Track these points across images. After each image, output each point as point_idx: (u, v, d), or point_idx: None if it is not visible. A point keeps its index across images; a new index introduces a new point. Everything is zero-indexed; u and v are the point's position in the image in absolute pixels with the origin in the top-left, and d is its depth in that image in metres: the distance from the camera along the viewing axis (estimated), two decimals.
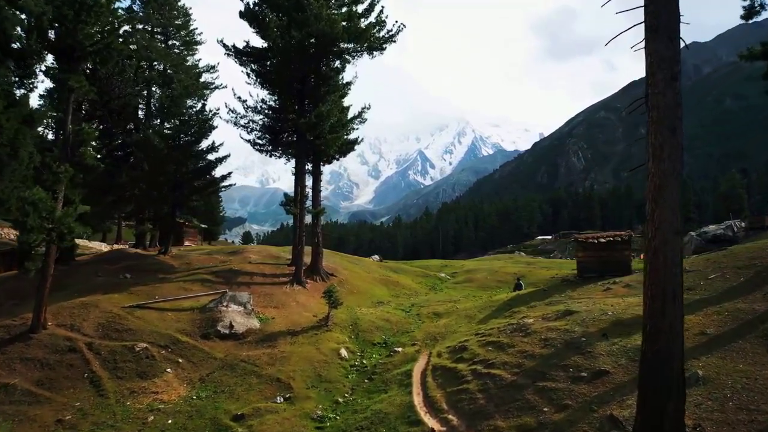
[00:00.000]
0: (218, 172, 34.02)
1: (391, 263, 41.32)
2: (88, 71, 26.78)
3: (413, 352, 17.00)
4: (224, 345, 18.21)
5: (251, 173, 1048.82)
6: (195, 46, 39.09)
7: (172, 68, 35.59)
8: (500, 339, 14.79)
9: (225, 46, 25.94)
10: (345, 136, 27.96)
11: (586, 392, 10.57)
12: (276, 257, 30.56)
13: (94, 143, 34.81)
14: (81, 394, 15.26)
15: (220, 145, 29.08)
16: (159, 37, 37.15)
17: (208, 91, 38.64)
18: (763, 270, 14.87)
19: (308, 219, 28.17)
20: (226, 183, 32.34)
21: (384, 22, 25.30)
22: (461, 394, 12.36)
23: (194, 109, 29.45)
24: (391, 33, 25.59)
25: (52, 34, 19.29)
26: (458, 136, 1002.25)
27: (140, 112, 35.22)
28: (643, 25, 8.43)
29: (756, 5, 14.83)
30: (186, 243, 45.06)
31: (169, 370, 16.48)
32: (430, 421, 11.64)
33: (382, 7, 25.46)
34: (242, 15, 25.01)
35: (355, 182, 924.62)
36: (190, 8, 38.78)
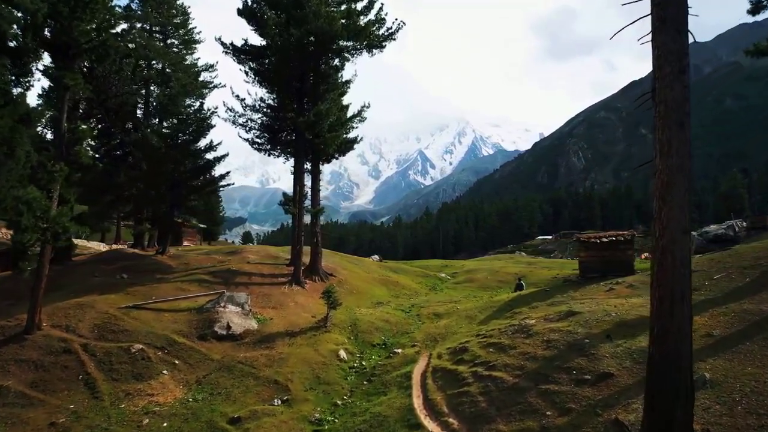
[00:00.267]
0: (217, 171, 33.89)
1: (390, 263, 41.08)
2: (85, 70, 26.63)
3: (413, 354, 16.74)
4: (221, 346, 17.94)
5: (251, 173, 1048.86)
6: (194, 45, 38.80)
7: (170, 67, 35.33)
8: (501, 340, 14.53)
9: (223, 43, 25.68)
10: (344, 135, 27.71)
11: (590, 395, 10.31)
12: (275, 257, 30.31)
13: (92, 143, 34.80)
14: (75, 396, 15.01)
15: (219, 144, 28.85)
16: (157, 35, 36.89)
17: (206, 90, 38.42)
18: None
19: (308, 219, 27.92)
20: (224, 182, 32.14)
21: (383, 19, 25.05)
22: (462, 396, 12.10)
23: (192, 108, 29.18)
24: (390, 31, 25.34)
25: (47, 32, 19.08)
26: (458, 136, 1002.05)
27: (139, 112, 35.04)
28: (649, 18, 8.18)
29: (764, 0, 14.58)
30: (185, 243, 44.84)
31: (165, 371, 16.22)
32: (431, 425, 11.39)
33: (382, 4, 25.26)
34: (240, 12, 24.76)
35: (355, 182, 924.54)
36: (189, 7, 38.53)
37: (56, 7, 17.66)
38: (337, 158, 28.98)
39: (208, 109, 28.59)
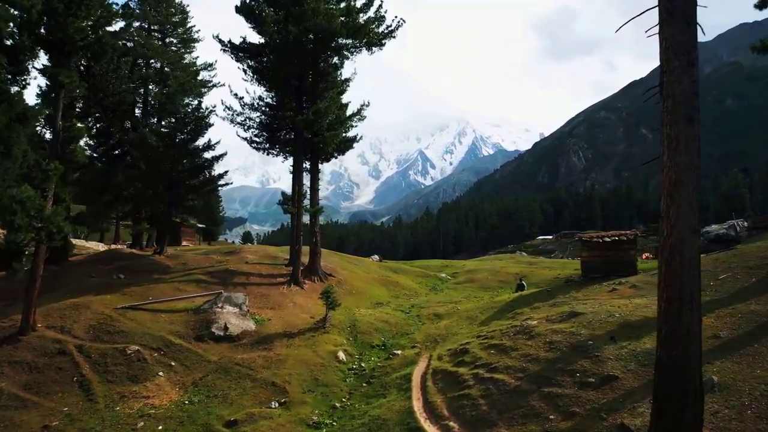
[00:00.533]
0: (215, 170, 33.61)
1: (390, 263, 40.83)
2: (82, 68, 26.39)
3: (413, 355, 16.49)
4: (218, 347, 17.69)
5: (252, 173, 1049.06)
6: (192, 44, 38.58)
7: (169, 66, 35.12)
8: (503, 342, 14.27)
9: (221, 41, 25.41)
10: (343, 134, 27.44)
11: (594, 399, 10.04)
12: (273, 257, 30.06)
13: (91, 142, 34.58)
14: (69, 398, 14.77)
15: (217, 143, 28.59)
16: (156, 34, 36.65)
17: (205, 90, 38.20)
18: None
19: (307, 218, 27.68)
20: (223, 182, 31.87)
21: (383, 17, 24.79)
22: (463, 399, 11.83)
23: (190, 107, 28.91)
24: (390, 28, 25.08)
25: (42, 29, 18.83)
26: (459, 136, 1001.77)
27: (137, 111, 34.80)
28: (655, 11, 7.93)
29: None
30: (184, 243, 44.62)
31: (161, 373, 15.97)
32: (431, 429, 11.12)
33: (381, 1, 24.97)
34: (238, 10, 24.50)
35: (355, 182, 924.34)
36: (188, 5, 38.30)
37: (51, 4, 17.43)
38: (336, 157, 28.71)
39: (206, 108, 28.36)
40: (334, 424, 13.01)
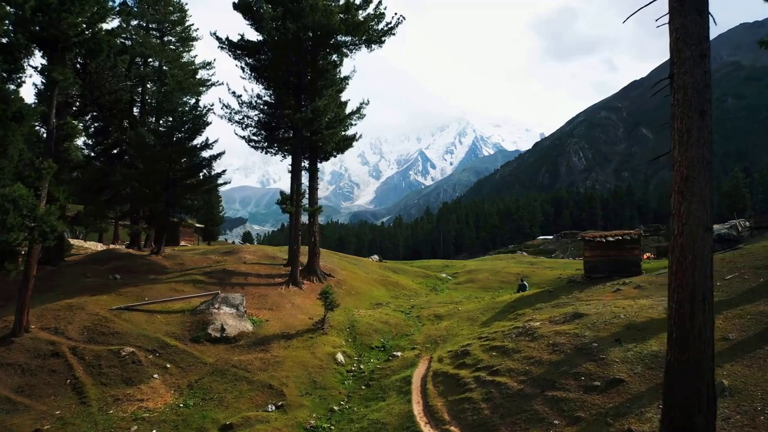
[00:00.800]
0: (213, 169, 33.29)
1: (390, 263, 40.53)
2: (78, 66, 26.08)
3: (413, 357, 16.18)
4: (215, 349, 17.37)
5: (252, 173, 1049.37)
6: (191, 43, 38.31)
7: (167, 64, 34.83)
8: (505, 343, 13.96)
9: (218, 38, 25.09)
10: (343, 132, 27.10)
11: (600, 403, 9.73)
12: (272, 257, 29.75)
13: (89, 141, 34.30)
14: (62, 401, 14.45)
15: (215, 141, 28.25)
16: (154, 33, 36.36)
17: (204, 88, 37.92)
18: None
19: (306, 218, 27.35)
20: (221, 181, 31.59)
21: (383, 14, 24.46)
22: (464, 403, 11.53)
23: (188, 105, 28.59)
24: (390, 26, 24.74)
25: (36, 26, 18.53)
26: (459, 136, 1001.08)
27: (135, 110, 34.49)
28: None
29: None
30: (182, 243, 44.32)
31: (156, 375, 15.65)
32: None
33: None
34: (236, 6, 24.16)
35: (355, 182, 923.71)
36: (186, 4, 38.02)
37: None
38: (335, 156, 28.38)
39: (204, 107, 28.03)
40: (332, 428, 12.71)
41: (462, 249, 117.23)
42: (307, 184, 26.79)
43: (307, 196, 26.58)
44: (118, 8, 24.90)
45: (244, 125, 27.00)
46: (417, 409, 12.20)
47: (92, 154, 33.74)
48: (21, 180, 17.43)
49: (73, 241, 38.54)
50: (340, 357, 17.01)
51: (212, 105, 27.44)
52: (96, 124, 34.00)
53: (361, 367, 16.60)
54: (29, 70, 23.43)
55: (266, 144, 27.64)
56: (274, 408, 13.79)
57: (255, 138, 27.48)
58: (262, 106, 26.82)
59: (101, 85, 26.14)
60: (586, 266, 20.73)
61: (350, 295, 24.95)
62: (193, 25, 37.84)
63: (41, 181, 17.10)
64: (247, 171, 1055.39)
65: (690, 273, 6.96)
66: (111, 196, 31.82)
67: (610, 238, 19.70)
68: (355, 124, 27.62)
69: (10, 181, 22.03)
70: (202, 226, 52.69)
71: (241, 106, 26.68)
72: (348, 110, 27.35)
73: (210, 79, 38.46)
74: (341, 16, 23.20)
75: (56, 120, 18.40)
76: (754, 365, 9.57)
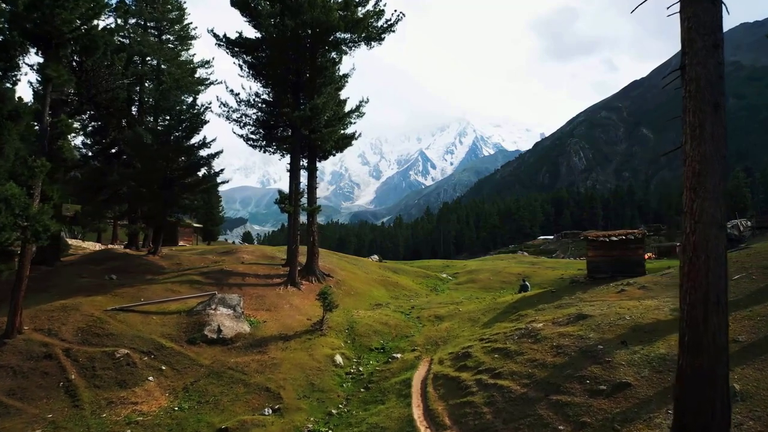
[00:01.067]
0: (214, 168, 32.98)
1: (390, 263, 40.22)
2: (74, 64, 25.75)
3: (413, 359, 15.85)
4: (211, 351, 17.04)
5: (252, 173, 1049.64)
6: (189, 41, 38.02)
7: (165, 63, 34.53)
8: (507, 345, 13.64)
9: (216, 35, 24.75)
10: (342, 131, 26.78)
11: (606, 408, 9.39)
12: (270, 257, 29.43)
13: (88, 141, 34.00)
14: (55, 404, 14.12)
15: (213, 140, 27.93)
16: (152, 31, 36.07)
17: (203, 87, 37.63)
18: None
19: (305, 218, 27.03)
20: (220, 179, 31.29)
21: (382, 11, 24.12)
22: (465, 407, 11.19)
23: (185, 104, 28.27)
24: (389, 22, 24.40)
25: (29, 22, 18.22)
26: (459, 137, 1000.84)
27: (134, 109, 34.19)
28: None
29: None
30: (181, 243, 44.00)
31: (150, 378, 15.33)
32: None
33: None
34: (233, 3, 23.82)
35: (356, 182, 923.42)
36: (185, 2, 37.72)
37: None
38: (334, 155, 28.04)
39: (202, 105, 27.70)
40: (330, 431, 12.40)
41: (462, 249, 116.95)
42: (306, 183, 26.47)
43: (306, 195, 26.26)
44: (113, 5, 24.55)
45: (242, 124, 26.68)
46: (417, 413, 11.88)
47: (90, 154, 33.48)
48: (13, 179, 17.11)
49: (71, 241, 38.26)
50: (338, 359, 16.69)
51: (210, 103, 27.04)
52: (94, 123, 33.73)
53: (360, 369, 16.28)
54: (24, 68, 23.06)
55: (264, 143, 27.32)
56: (270, 411, 13.47)
57: (253, 136, 27.17)
58: (260, 105, 26.49)
59: (97, 83, 25.81)
60: (589, 266, 20.40)
61: (349, 295, 24.63)
62: (191, 23, 37.58)
63: (34, 180, 16.77)
64: (248, 171, 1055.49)
65: (703, 273, 6.65)
66: (109, 195, 31.52)
67: (614, 238, 19.36)
68: (355, 123, 27.35)
69: (4, 180, 21.77)
70: (201, 226, 52.37)
71: (239, 105, 26.37)
72: (347, 108, 27.05)
73: (209, 78, 38.18)
74: (340, 12, 22.87)
75: (50, 117, 18.04)
76: (766, 369, 9.24)
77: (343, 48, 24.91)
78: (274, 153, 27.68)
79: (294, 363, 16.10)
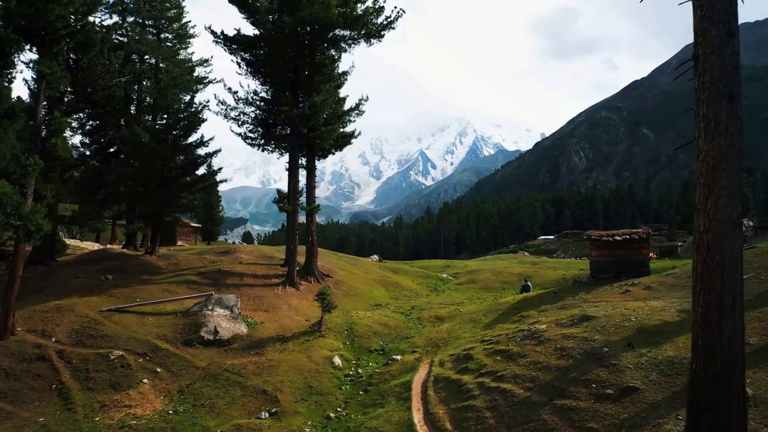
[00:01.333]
0: (213, 167, 32.65)
1: (390, 263, 39.90)
2: (70, 61, 25.44)
3: (413, 361, 15.53)
4: (208, 352, 16.73)
5: (253, 173, 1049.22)
6: (188, 40, 37.72)
7: (164, 61, 34.24)
8: (509, 347, 13.31)
9: (213, 32, 24.41)
10: (341, 129, 26.45)
11: (613, 413, 9.08)
12: (269, 257, 29.11)
13: (86, 140, 33.68)
14: (47, 408, 13.80)
15: (210, 139, 27.62)
16: (151, 29, 35.77)
17: (201, 86, 37.31)
18: None
19: (304, 218, 26.71)
20: (219, 178, 30.93)
21: (382, 7, 23.80)
22: (467, 411, 10.87)
23: (183, 103, 27.95)
24: (389, 19, 24.09)
25: (22, 17, 17.90)
26: (459, 137, 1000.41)
27: (132, 108, 33.90)
28: None
29: None
30: (179, 243, 43.65)
31: (145, 380, 15.01)
32: None
33: None
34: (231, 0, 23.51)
35: (356, 182, 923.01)
36: (183, 0, 37.41)
37: None
38: (333, 153, 27.70)
39: (199, 103, 27.38)
40: None
41: (463, 249, 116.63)
42: (305, 182, 26.16)
43: (305, 194, 25.94)
44: (110, 2, 24.23)
45: (240, 122, 26.34)
46: (417, 417, 11.56)
47: (88, 153, 33.19)
48: (6, 177, 16.80)
49: (69, 241, 37.95)
50: (337, 361, 16.37)
51: (208, 101, 26.73)
52: (92, 122, 33.44)
53: (359, 371, 15.96)
54: (20, 66, 22.75)
55: (263, 141, 26.98)
56: (267, 415, 13.16)
57: (251, 135, 26.83)
58: (258, 103, 26.16)
59: (93, 81, 25.47)
60: (593, 266, 20.07)
61: (349, 296, 24.32)
62: (190, 21, 37.27)
63: (27, 179, 16.46)
64: (248, 171, 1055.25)
65: (718, 274, 6.34)
66: (106, 195, 31.22)
67: (618, 237, 19.03)
68: (354, 121, 27.02)
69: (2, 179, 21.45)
70: (200, 225, 52.03)
71: (237, 103, 26.05)
72: (347, 107, 26.74)
73: (207, 77, 37.89)
74: (339, 9, 22.53)
75: (44, 115, 17.73)
76: None
77: (343, 45, 24.61)
78: (272, 151, 27.36)
79: (292, 365, 15.78)
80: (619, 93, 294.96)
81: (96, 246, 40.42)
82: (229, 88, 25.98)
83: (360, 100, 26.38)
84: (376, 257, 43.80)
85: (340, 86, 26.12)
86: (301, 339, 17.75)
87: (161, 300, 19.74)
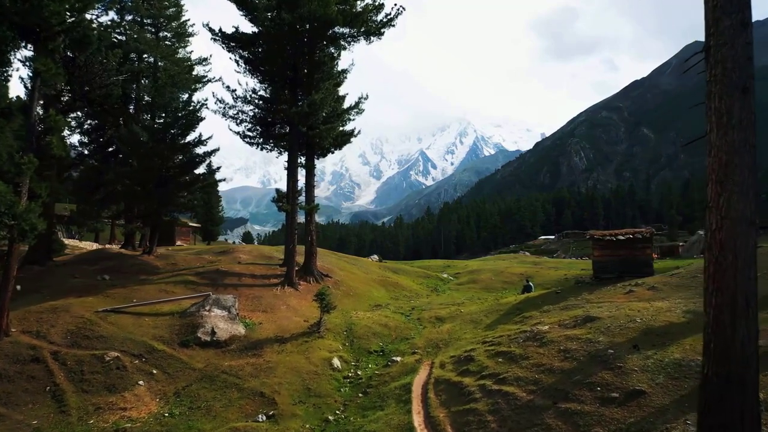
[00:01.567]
0: (213, 166, 32.46)
1: (390, 263, 39.65)
2: (67, 59, 25.21)
3: (413, 362, 15.27)
4: (205, 354, 16.47)
5: (253, 173, 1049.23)
6: (187, 38, 37.52)
7: (162, 60, 34.03)
8: (511, 349, 13.05)
9: (211, 30, 24.17)
10: (340, 127, 26.19)
11: (619, 417, 8.81)
12: (268, 257, 28.86)
13: (85, 140, 33.46)
14: (40, 410, 13.54)
15: (209, 138, 27.37)
16: (149, 28, 35.57)
17: (200, 85, 37.11)
18: None
19: (303, 218, 26.46)
20: (219, 177, 30.83)
21: (382, 4, 23.56)
22: (468, 415, 10.62)
23: (181, 101, 27.71)
24: (389, 17, 23.84)
25: (16, 13, 17.65)
26: (460, 137, 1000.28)
27: (131, 106, 33.68)
28: None
29: None
30: (178, 242, 43.45)
31: (141, 382, 14.75)
32: None
33: None
34: None
35: (356, 182, 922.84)
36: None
37: None
38: (333, 152, 27.43)
39: (198, 102, 27.13)
40: None
41: (463, 249, 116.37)
42: (305, 181, 25.91)
43: (304, 194, 25.69)
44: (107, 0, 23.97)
45: (238, 120, 26.09)
46: (417, 420, 11.30)
47: (86, 152, 32.97)
48: (0, 176, 16.58)
49: (67, 241, 37.70)
50: (336, 362, 16.12)
51: (206, 100, 26.47)
52: (90, 121, 33.22)
53: (359, 373, 15.71)
54: (17, 64, 22.54)
55: (262, 140, 26.73)
56: (264, 418, 12.89)
57: (250, 134, 26.58)
58: (257, 101, 25.91)
59: (91, 80, 25.22)
60: (595, 266, 19.80)
61: (348, 296, 24.07)
62: (189, 20, 37.10)
63: (21, 177, 16.19)
64: (248, 171, 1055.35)
65: (731, 275, 6.08)
66: (105, 194, 30.99)
67: (621, 237, 18.76)
68: (354, 120, 26.79)
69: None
70: (199, 225, 51.78)
71: (235, 101, 25.79)
72: (346, 105, 26.47)
73: (206, 76, 37.69)
74: (339, 6, 22.29)
75: (39, 113, 17.48)
76: None
77: (342, 43, 24.37)
78: (271, 150, 27.11)
79: (290, 366, 15.52)
80: (620, 93, 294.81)
81: (94, 246, 40.18)
82: (228, 87, 25.76)
83: (360, 98, 26.17)
84: (376, 257, 43.56)
85: (339, 84, 25.88)
86: (299, 340, 17.49)
87: (158, 300, 19.49)
